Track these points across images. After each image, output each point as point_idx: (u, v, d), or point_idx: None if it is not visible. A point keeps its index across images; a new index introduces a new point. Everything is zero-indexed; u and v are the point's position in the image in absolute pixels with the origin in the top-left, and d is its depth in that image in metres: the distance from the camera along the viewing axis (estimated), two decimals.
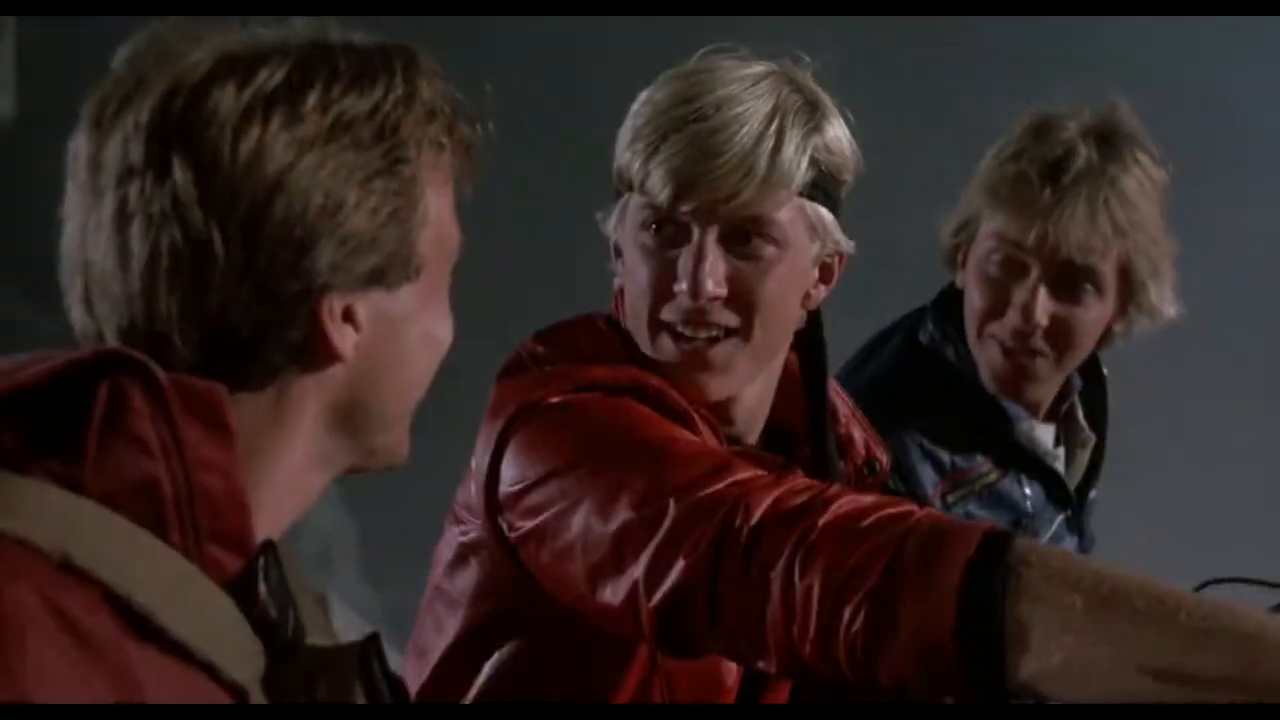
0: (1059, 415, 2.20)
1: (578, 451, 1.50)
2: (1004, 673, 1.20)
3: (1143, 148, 2.05)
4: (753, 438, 1.70)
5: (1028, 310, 2.02)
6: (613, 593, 1.42)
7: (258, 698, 1.03)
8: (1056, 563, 1.22)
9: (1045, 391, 2.15)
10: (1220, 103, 4.75)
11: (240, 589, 1.02)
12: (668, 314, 1.59)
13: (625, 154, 1.59)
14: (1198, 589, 2.09)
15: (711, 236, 1.56)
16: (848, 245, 1.65)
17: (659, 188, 1.55)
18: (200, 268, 1.01)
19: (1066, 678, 1.19)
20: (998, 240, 2.04)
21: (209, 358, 1.02)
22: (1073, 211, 1.98)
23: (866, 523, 1.30)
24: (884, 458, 1.76)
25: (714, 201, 1.54)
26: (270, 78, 1.02)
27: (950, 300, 2.16)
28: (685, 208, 1.55)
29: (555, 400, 1.54)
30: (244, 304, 1.01)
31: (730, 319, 1.58)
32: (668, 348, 1.60)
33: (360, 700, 1.07)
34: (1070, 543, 2.22)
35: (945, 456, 2.09)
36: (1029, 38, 4.61)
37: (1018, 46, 4.54)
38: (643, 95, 1.60)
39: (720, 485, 1.39)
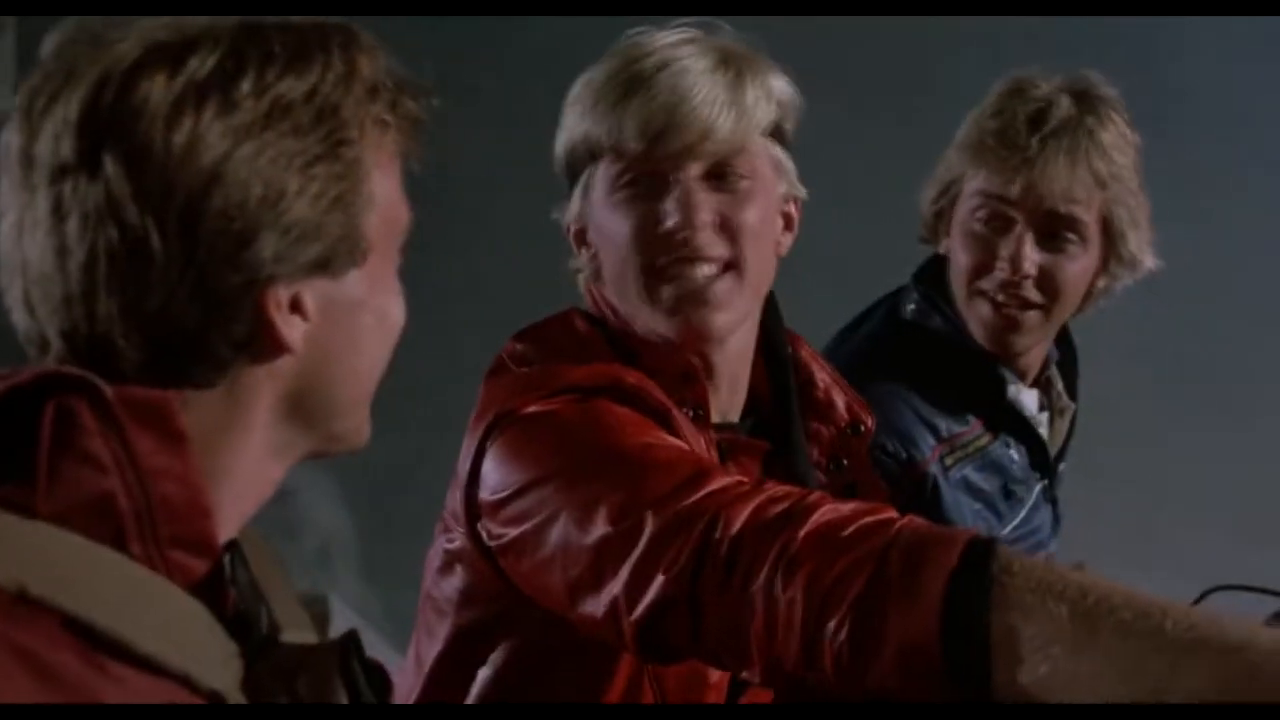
0: (1041, 382, 2.24)
1: (555, 462, 1.49)
2: (990, 682, 1.19)
3: (1117, 109, 2.10)
4: (736, 410, 1.70)
5: (1015, 260, 2.06)
6: (593, 606, 1.41)
7: (237, 701, 1.01)
8: (1040, 573, 1.21)
9: (1034, 349, 2.19)
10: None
11: (209, 592, 1.00)
12: (661, 259, 1.60)
13: (585, 122, 1.61)
14: (1200, 597, 2.09)
15: (693, 176, 1.59)
16: (802, 191, 1.70)
17: (635, 138, 1.57)
18: (138, 266, 0.98)
19: (1052, 688, 1.18)
20: (982, 197, 2.09)
21: (155, 357, 1.00)
22: (1054, 161, 2.03)
23: (848, 532, 1.29)
24: (869, 420, 1.76)
25: (692, 141, 1.57)
26: (202, 64, 0.99)
27: (931, 272, 2.19)
28: (662, 152, 1.57)
29: (532, 409, 1.53)
30: (186, 300, 0.99)
31: (722, 249, 1.61)
32: (666, 293, 1.61)
33: (342, 696, 1.05)
34: (1045, 511, 2.25)
35: (940, 421, 2.13)
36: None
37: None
38: (581, 78, 1.62)
39: (698, 496, 1.38)
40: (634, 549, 1.37)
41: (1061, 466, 2.30)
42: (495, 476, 1.52)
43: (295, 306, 1.02)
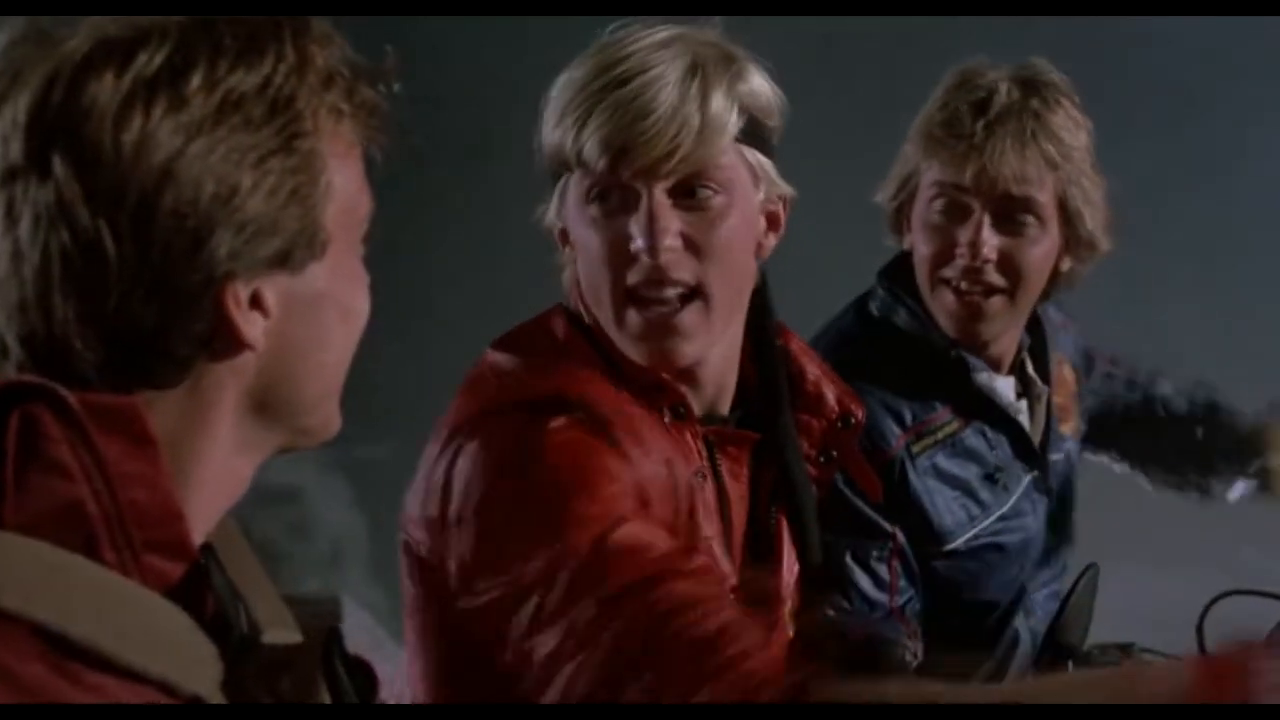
0: (1015, 369, 2.24)
1: (486, 513, 1.51)
2: None
3: (1065, 93, 2.12)
4: (725, 403, 1.69)
5: (974, 245, 2.08)
6: (525, 666, 1.46)
7: (220, 703, 1.00)
8: None
9: (1004, 336, 2.19)
10: None
11: (186, 595, 0.99)
12: (631, 278, 1.58)
13: (555, 134, 1.58)
14: (1211, 602, 2.09)
15: (660, 193, 1.55)
16: (789, 190, 1.66)
17: (596, 157, 1.54)
18: (93, 268, 0.96)
19: None
20: (938, 187, 2.11)
21: (114, 359, 0.98)
22: (1003, 144, 2.05)
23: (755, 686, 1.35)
24: (859, 412, 1.75)
25: (654, 161, 1.54)
26: (150, 60, 0.96)
27: (896, 268, 2.20)
28: (627, 172, 1.55)
29: (473, 443, 1.53)
30: (143, 301, 0.97)
31: (690, 274, 1.57)
32: (634, 320, 1.59)
33: (325, 694, 1.04)
34: (1041, 505, 2.24)
35: (905, 409, 2.13)
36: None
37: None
38: (560, 78, 1.59)
39: (620, 586, 1.42)
40: (560, 630, 1.43)
41: (1054, 457, 2.28)
42: (436, 507, 1.54)
43: (255, 302, 1.01)
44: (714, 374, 1.66)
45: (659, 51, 1.55)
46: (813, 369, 1.75)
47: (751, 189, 1.61)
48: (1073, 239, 2.13)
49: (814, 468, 1.75)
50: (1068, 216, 2.11)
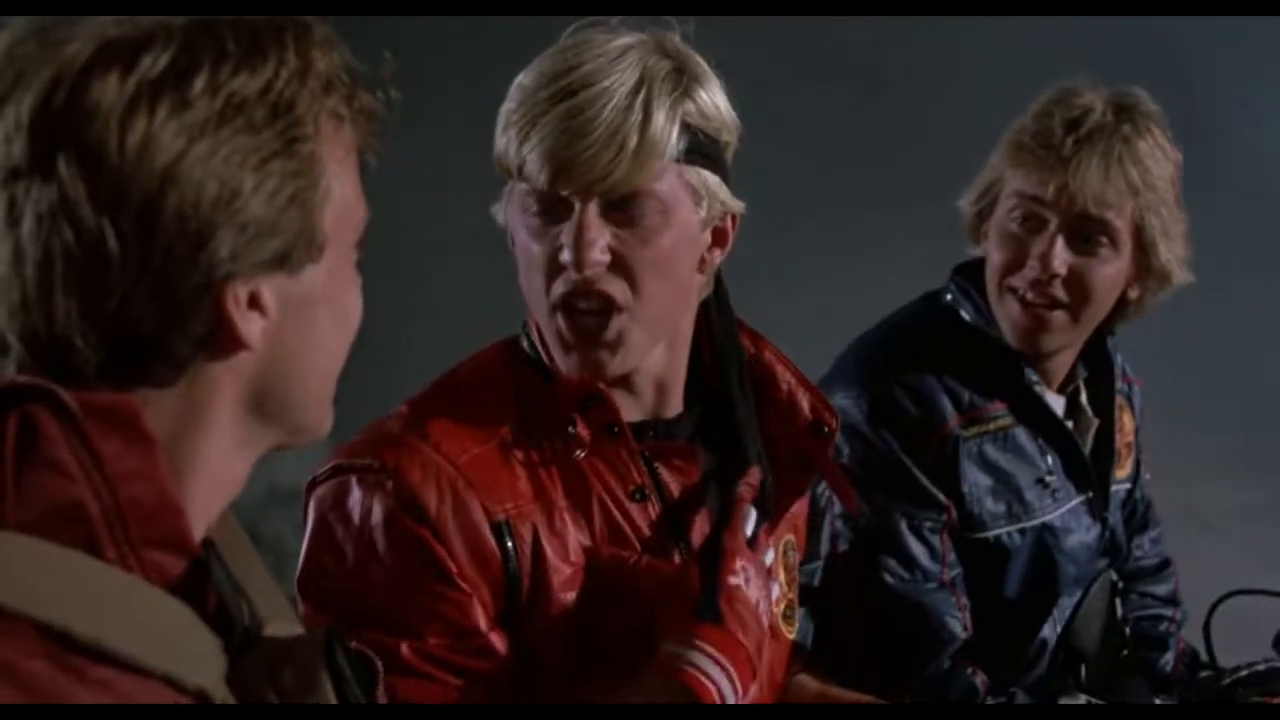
0: (1066, 393, 2.25)
1: (313, 581, 1.59)
2: None
3: (1157, 123, 2.14)
4: (670, 406, 1.69)
5: (1045, 259, 2.09)
6: None
7: (224, 697, 1.00)
8: None
9: (1061, 355, 2.20)
10: None
11: (189, 590, 1.00)
12: (558, 288, 1.58)
13: (501, 141, 1.58)
14: (1217, 602, 2.09)
15: (592, 208, 1.55)
16: (737, 206, 1.65)
17: (535, 172, 1.54)
18: (95, 267, 0.97)
19: None
20: (1018, 198, 2.12)
21: (114, 358, 0.99)
22: (1088, 164, 2.07)
23: None
24: (833, 421, 1.74)
25: (589, 180, 1.53)
26: (154, 63, 0.97)
27: (970, 268, 2.22)
28: (564, 190, 1.55)
29: (315, 500, 1.59)
30: (144, 300, 0.98)
31: (616, 289, 1.57)
32: (562, 329, 1.59)
33: (328, 687, 1.05)
34: (1093, 530, 2.24)
35: (963, 392, 2.15)
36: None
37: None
38: (517, 79, 1.59)
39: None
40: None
41: (1117, 487, 2.29)
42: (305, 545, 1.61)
43: (254, 303, 1.01)
44: (651, 379, 1.67)
45: (611, 62, 1.55)
46: (786, 376, 1.75)
47: (690, 207, 1.59)
48: (1144, 267, 2.14)
49: (793, 474, 1.74)
50: (1143, 244, 2.12)
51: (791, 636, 1.81)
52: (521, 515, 1.58)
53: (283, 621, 1.08)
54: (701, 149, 1.59)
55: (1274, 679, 2.03)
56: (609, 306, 1.58)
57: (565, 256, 1.56)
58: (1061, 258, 2.08)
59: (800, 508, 1.83)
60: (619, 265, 1.57)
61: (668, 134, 1.54)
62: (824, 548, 2.13)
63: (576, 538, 1.61)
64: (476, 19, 4.34)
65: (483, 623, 1.57)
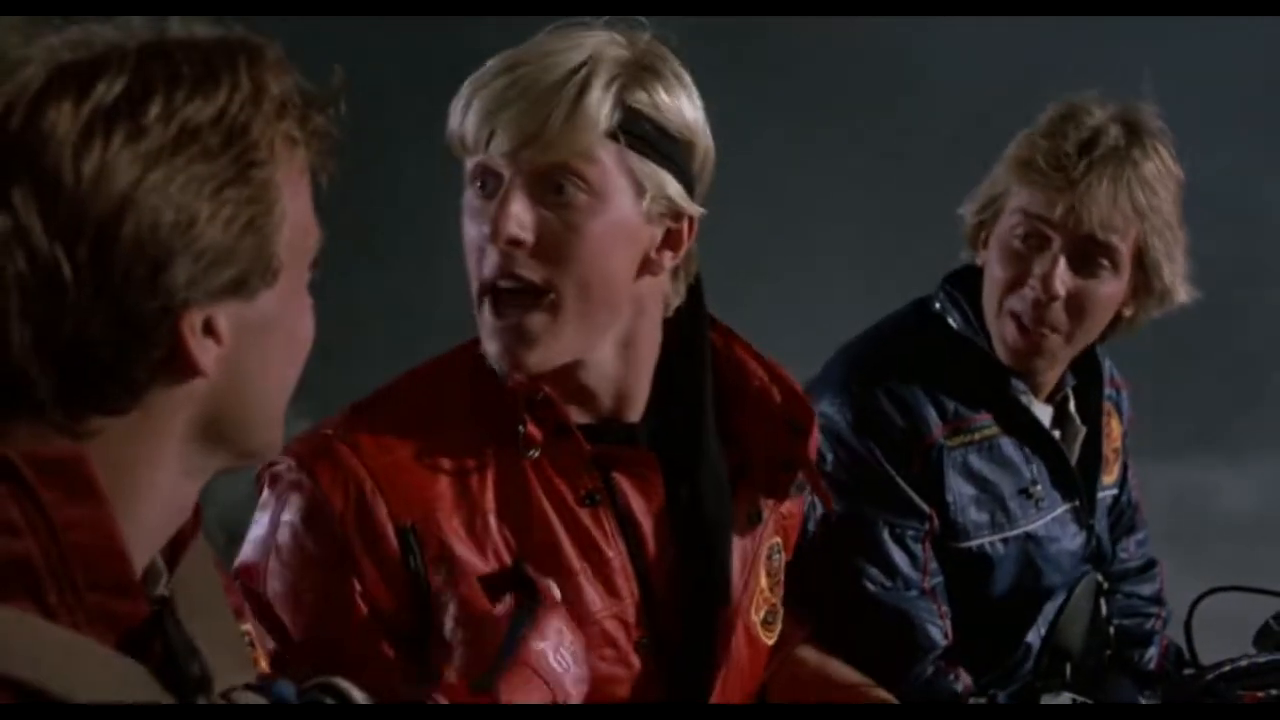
0: (1054, 402, 2.25)
1: (239, 569, 1.59)
2: None
3: (1164, 142, 2.13)
4: (632, 410, 1.65)
5: (1047, 281, 2.09)
6: None
7: None
8: None
9: (1052, 371, 2.20)
10: None
11: (135, 638, 1.00)
12: (484, 270, 1.55)
13: (451, 117, 1.56)
14: (1199, 598, 2.11)
15: (519, 181, 1.52)
16: (694, 210, 1.60)
17: (472, 136, 1.52)
18: (50, 295, 0.96)
19: None
20: (1023, 215, 2.11)
21: (70, 385, 0.99)
22: (1097, 187, 2.05)
23: None
24: (808, 419, 1.72)
25: (518, 144, 1.50)
26: (108, 90, 0.97)
27: (962, 277, 2.22)
28: (496, 151, 1.51)
29: (262, 498, 1.59)
30: (101, 328, 0.98)
31: (538, 273, 1.53)
32: (486, 318, 1.56)
33: None
34: (1078, 538, 2.25)
35: (948, 402, 2.15)
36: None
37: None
38: None
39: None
40: None
41: (1103, 494, 2.30)
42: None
43: (209, 330, 1.02)
44: (607, 386, 1.63)
45: (564, 47, 1.53)
46: (759, 374, 1.73)
47: (630, 197, 1.55)
48: (1144, 288, 2.14)
49: (773, 475, 1.72)
50: (1145, 266, 2.11)
51: (771, 641, 1.79)
52: (433, 521, 1.55)
53: (238, 672, 1.08)
54: (648, 138, 1.54)
55: (1254, 675, 2.04)
56: (529, 290, 1.53)
57: (487, 230, 1.52)
58: (1063, 279, 2.08)
59: (791, 508, 1.81)
60: (543, 248, 1.52)
61: (601, 106, 1.51)
62: None
63: (507, 544, 1.57)
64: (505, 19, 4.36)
65: (383, 644, 1.55)
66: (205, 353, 1.01)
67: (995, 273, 2.14)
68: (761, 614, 1.76)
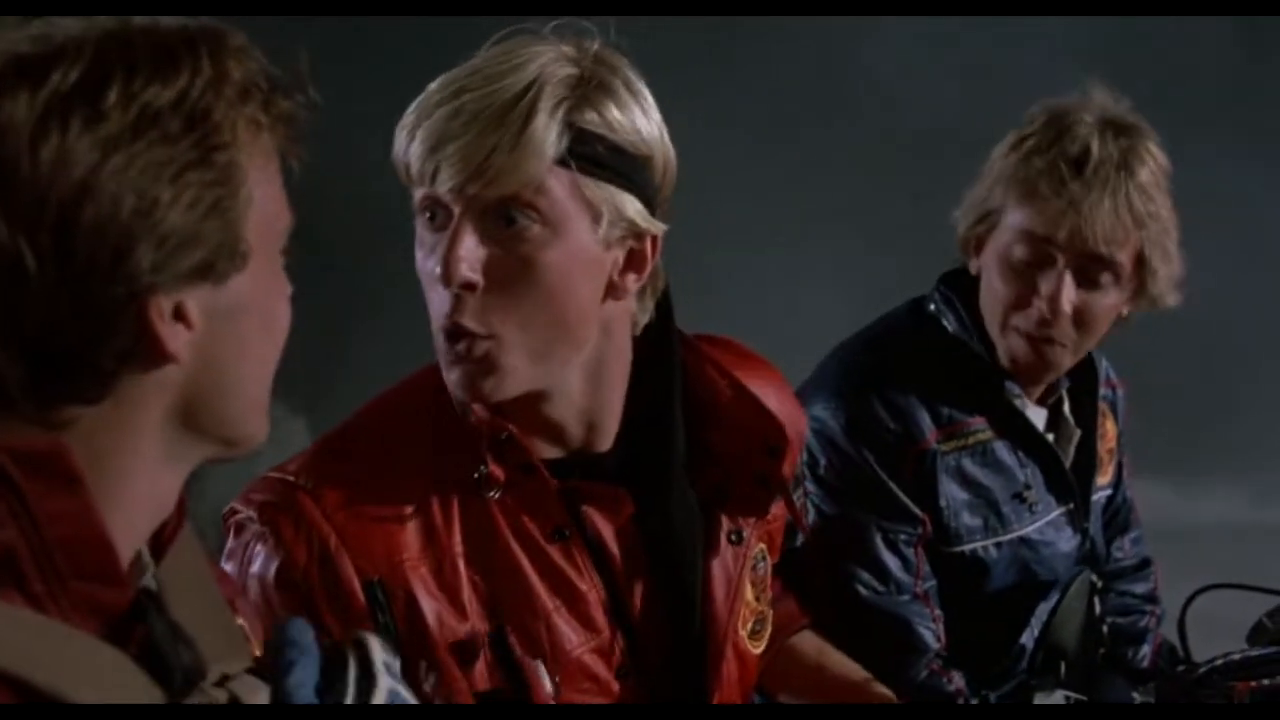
0: (1049, 404, 2.25)
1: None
2: None
3: (1152, 139, 2.12)
4: (602, 439, 1.60)
5: (1055, 301, 2.08)
6: None
7: None
8: None
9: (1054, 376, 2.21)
10: None
11: (121, 629, 1.00)
12: (438, 305, 1.49)
13: (395, 144, 1.50)
14: (1193, 596, 2.11)
15: (468, 218, 1.46)
16: (656, 227, 1.53)
17: (417, 169, 1.46)
18: (14, 285, 0.96)
19: None
20: (1026, 235, 2.09)
21: (39, 376, 0.98)
22: (1100, 206, 2.05)
23: None
24: (783, 440, 1.65)
25: (464, 179, 1.44)
26: (65, 78, 0.97)
27: (957, 277, 2.22)
28: (442, 188, 1.45)
29: (229, 545, 1.53)
30: (66, 316, 0.97)
31: (483, 318, 1.47)
32: (443, 349, 1.51)
33: None
34: (1073, 540, 2.24)
35: (941, 406, 2.14)
36: None
37: None
38: None
39: None
40: None
41: (1098, 495, 2.30)
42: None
43: (179, 315, 1.01)
44: (574, 415, 1.58)
45: (509, 68, 1.46)
46: (727, 393, 1.67)
47: (586, 224, 1.48)
48: (1141, 291, 2.13)
49: (753, 491, 1.68)
50: (1143, 272, 2.11)
51: (760, 649, 1.75)
52: (399, 574, 1.50)
53: (233, 659, 1.07)
54: (600, 160, 1.47)
55: (1247, 668, 2.04)
56: (475, 335, 1.48)
57: (436, 270, 1.47)
58: (1069, 296, 2.08)
59: (777, 510, 1.77)
60: (495, 287, 1.47)
61: (548, 133, 1.44)
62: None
63: (475, 586, 1.53)
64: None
65: None
66: (175, 338, 1.01)
67: (997, 289, 2.13)
68: (749, 626, 1.73)
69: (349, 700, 1.04)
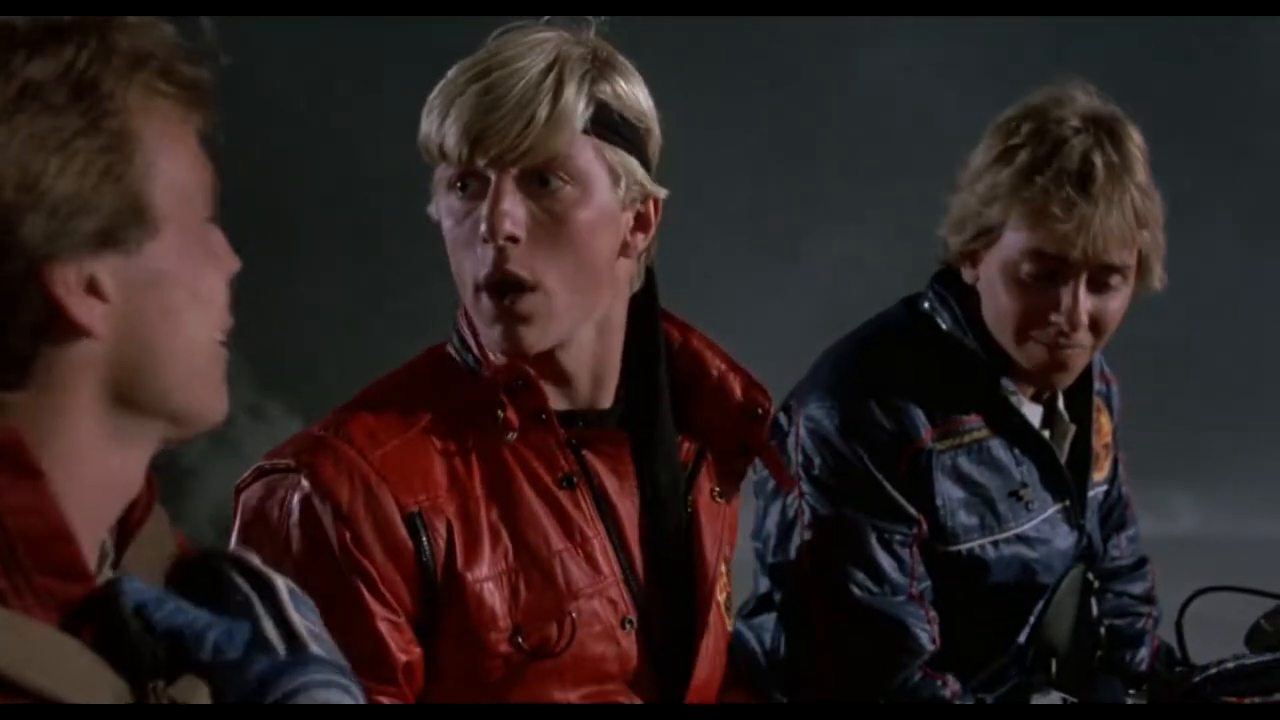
0: (1043, 401, 2.24)
1: None
2: None
3: (1129, 121, 2.11)
4: (604, 397, 1.71)
5: (1073, 315, 2.08)
6: None
7: None
8: None
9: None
10: None
11: (84, 620, 0.99)
12: (479, 267, 1.60)
13: (424, 126, 1.61)
14: (1190, 599, 2.11)
15: (508, 179, 1.58)
16: (659, 191, 1.68)
17: (454, 146, 1.58)
18: None
19: None
20: (1035, 254, 2.08)
21: None
22: (1108, 219, 2.04)
23: None
24: (766, 403, 1.76)
25: (504, 150, 1.57)
26: None
27: (951, 276, 2.20)
28: (481, 161, 1.58)
29: (240, 503, 1.60)
30: None
31: (530, 268, 1.59)
32: (485, 306, 1.61)
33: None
34: (1069, 537, 2.24)
35: (936, 405, 2.14)
36: None
37: None
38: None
39: None
40: None
41: (1093, 493, 2.29)
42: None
43: (91, 288, 1.00)
44: (585, 368, 1.68)
45: (526, 49, 1.59)
46: (716, 363, 1.77)
47: (608, 185, 1.62)
48: (1142, 280, 2.13)
49: (732, 460, 1.78)
50: (1143, 268, 2.12)
51: (730, 626, 1.82)
52: (435, 507, 1.59)
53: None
54: (618, 129, 1.62)
55: (1243, 678, 2.05)
56: (523, 285, 1.59)
57: (482, 228, 1.58)
58: (1085, 309, 2.08)
59: (734, 503, 1.84)
60: (535, 242, 1.59)
61: (577, 105, 1.58)
62: (769, 527, 2.16)
63: (494, 527, 1.62)
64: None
65: (393, 641, 1.56)
66: (89, 311, 1.00)
67: (1005, 303, 2.12)
68: (724, 597, 1.79)
69: (259, 601, 1.06)
